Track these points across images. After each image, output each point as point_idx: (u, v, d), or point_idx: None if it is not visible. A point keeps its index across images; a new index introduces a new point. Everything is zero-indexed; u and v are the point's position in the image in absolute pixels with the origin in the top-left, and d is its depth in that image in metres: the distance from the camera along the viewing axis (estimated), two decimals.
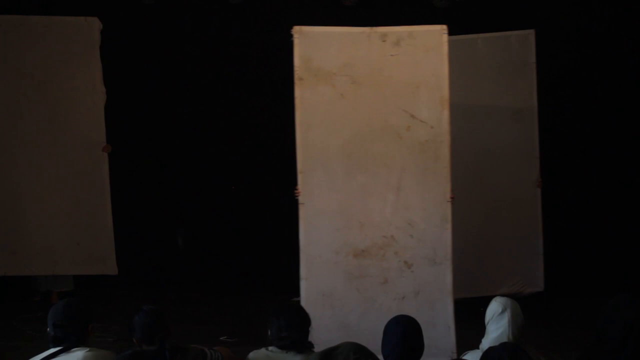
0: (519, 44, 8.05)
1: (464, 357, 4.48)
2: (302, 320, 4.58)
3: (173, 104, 9.04)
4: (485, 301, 7.45)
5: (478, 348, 4.42)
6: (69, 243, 7.96)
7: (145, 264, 8.88)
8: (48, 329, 4.21)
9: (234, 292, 8.69)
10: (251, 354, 4.47)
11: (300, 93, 6.08)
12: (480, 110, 8.04)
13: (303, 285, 6.05)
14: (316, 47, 6.09)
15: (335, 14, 8.86)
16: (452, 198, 6.11)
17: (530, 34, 8.03)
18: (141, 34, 8.90)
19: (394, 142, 6.07)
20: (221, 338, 6.83)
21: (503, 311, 4.39)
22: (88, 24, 7.99)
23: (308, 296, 6.03)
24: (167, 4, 8.91)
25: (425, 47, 6.08)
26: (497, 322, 4.39)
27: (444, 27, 6.08)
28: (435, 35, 6.08)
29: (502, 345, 3.85)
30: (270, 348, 4.46)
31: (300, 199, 6.09)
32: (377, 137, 6.08)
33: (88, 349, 4.13)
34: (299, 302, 5.86)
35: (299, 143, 6.08)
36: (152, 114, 8.98)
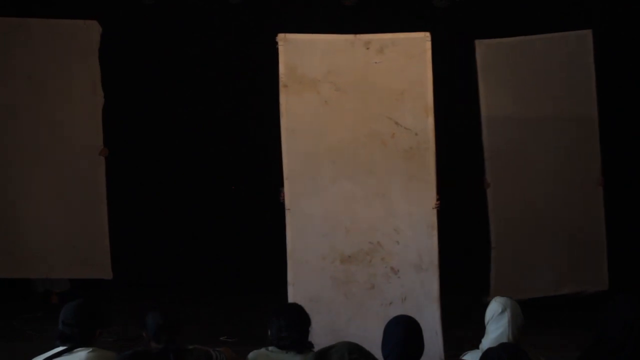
0: (577, 44, 8.14)
1: (463, 357, 4.54)
2: (302, 320, 4.69)
3: (172, 105, 9.13)
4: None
5: (478, 348, 4.49)
6: (64, 246, 7.99)
7: (144, 264, 8.98)
8: (58, 325, 4.32)
9: (234, 292, 8.75)
10: (251, 354, 4.57)
11: (285, 100, 6.22)
12: (540, 110, 8.14)
13: (290, 291, 6.18)
14: (301, 54, 6.22)
15: (335, 14, 8.92)
16: (438, 204, 6.22)
17: (588, 34, 8.10)
18: (141, 34, 9.00)
19: (379, 149, 6.18)
20: (221, 338, 6.89)
21: (503, 311, 4.46)
22: (87, 27, 8.04)
23: (296, 301, 6.12)
24: (167, 4, 8.99)
25: (409, 54, 6.19)
26: (497, 322, 4.46)
27: (427, 34, 6.19)
28: (418, 43, 6.20)
29: (502, 346, 3.92)
30: (270, 348, 4.56)
31: (287, 204, 6.23)
32: (362, 143, 6.20)
33: (91, 349, 4.24)
34: None
35: (284, 149, 6.23)
36: (151, 114, 9.07)
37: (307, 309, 5.78)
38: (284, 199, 6.27)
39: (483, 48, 8.11)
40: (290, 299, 6.12)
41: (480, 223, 8.54)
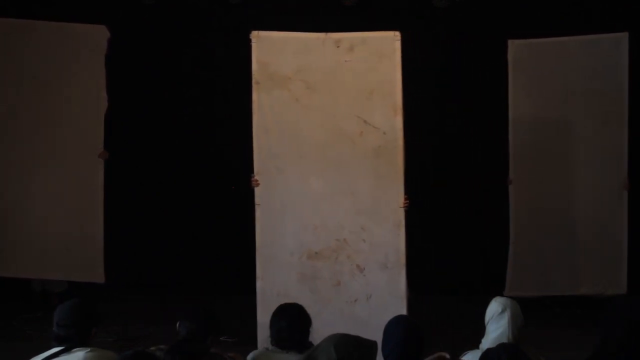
0: (612, 47, 8.33)
1: (463, 357, 4.66)
2: (303, 320, 4.87)
3: (171, 105, 9.40)
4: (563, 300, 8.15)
5: (478, 348, 4.63)
6: (58, 248, 8.23)
7: (144, 264, 9.23)
8: (53, 327, 4.44)
9: (234, 292, 8.87)
10: (251, 354, 4.78)
11: (257, 97, 6.48)
12: (569, 111, 8.42)
13: (259, 285, 6.45)
14: (273, 51, 6.46)
15: (335, 14, 9.15)
16: (406, 203, 6.40)
17: (624, 37, 8.29)
18: (140, 35, 9.28)
19: (348, 147, 6.40)
20: (221, 338, 6.77)
21: (503, 311, 4.60)
22: (95, 31, 8.32)
23: (263, 296, 6.41)
24: (167, 4, 9.27)
25: (379, 53, 6.38)
26: (496, 322, 4.60)
27: (397, 33, 6.36)
28: (388, 42, 6.38)
29: (501, 347, 4.06)
30: (270, 348, 4.76)
31: (256, 199, 6.49)
32: (331, 141, 6.43)
33: (89, 349, 4.35)
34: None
35: (255, 146, 6.49)
36: (150, 114, 9.34)
37: (275, 304, 5.88)
38: (255, 185, 6.51)
39: (515, 47, 8.42)
40: (259, 293, 6.41)
41: (496, 222, 8.88)
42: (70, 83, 8.29)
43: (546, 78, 8.46)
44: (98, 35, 8.31)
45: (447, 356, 4.50)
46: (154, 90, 9.32)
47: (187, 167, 9.43)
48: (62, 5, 8.84)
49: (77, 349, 4.35)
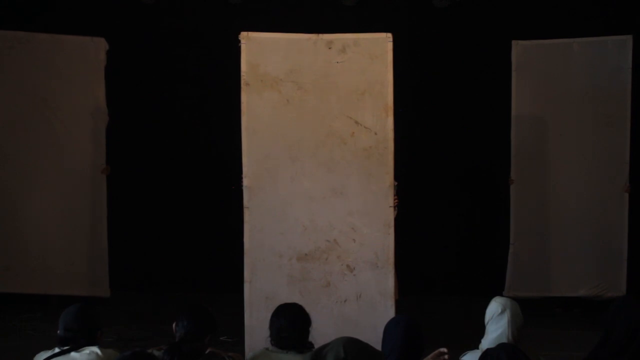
0: (616, 49, 8.39)
1: (463, 357, 4.67)
2: (303, 320, 4.86)
3: (171, 105, 9.47)
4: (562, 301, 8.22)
5: (477, 348, 4.64)
6: (63, 263, 8.31)
7: (144, 264, 9.30)
8: (58, 331, 4.46)
9: (234, 291, 8.88)
10: (251, 354, 4.81)
11: (246, 98, 6.45)
12: (571, 113, 8.49)
13: (246, 288, 6.48)
14: (263, 53, 6.44)
15: (335, 14, 9.21)
16: (396, 202, 6.46)
17: (627, 40, 8.36)
18: (140, 34, 9.32)
19: (339, 148, 6.40)
20: (221, 338, 7.03)
21: (502, 311, 4.60)
22: (94, 44, 8.38)
23: (251, 299, 6.45)
24: (167, 4, 9.32)
25: (371, 54, 6.38)
26: (496, 322, 4.60)
27: (389, 34, 6.36)
28: (380, 43, 6.38)
29: (501, 347, 4.05)
30: (270, 348, 4.75)
31: (245, 202, 6.50)
32: (322, 142, 6.42)
33: (97, 347, 4.41)
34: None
35: (244, 148, 6.46)
36: (150, 114, 9.39)
37: (262, 306, 6.06)
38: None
39: (519, 48, 8.49)
40: (246, 297, 6.44)
41: (497, 222, 8.94)
42: (71, 96, 8.36)
43: (549, 79, 8.52)
44: (97, 48, 8.38)
45: (445, 350, 4.49)
46: (153, 91, 9.37)
47: (187, 169, 9.49)
48: (61, 5, 8.94)
49: (87, 347, 4.40)
